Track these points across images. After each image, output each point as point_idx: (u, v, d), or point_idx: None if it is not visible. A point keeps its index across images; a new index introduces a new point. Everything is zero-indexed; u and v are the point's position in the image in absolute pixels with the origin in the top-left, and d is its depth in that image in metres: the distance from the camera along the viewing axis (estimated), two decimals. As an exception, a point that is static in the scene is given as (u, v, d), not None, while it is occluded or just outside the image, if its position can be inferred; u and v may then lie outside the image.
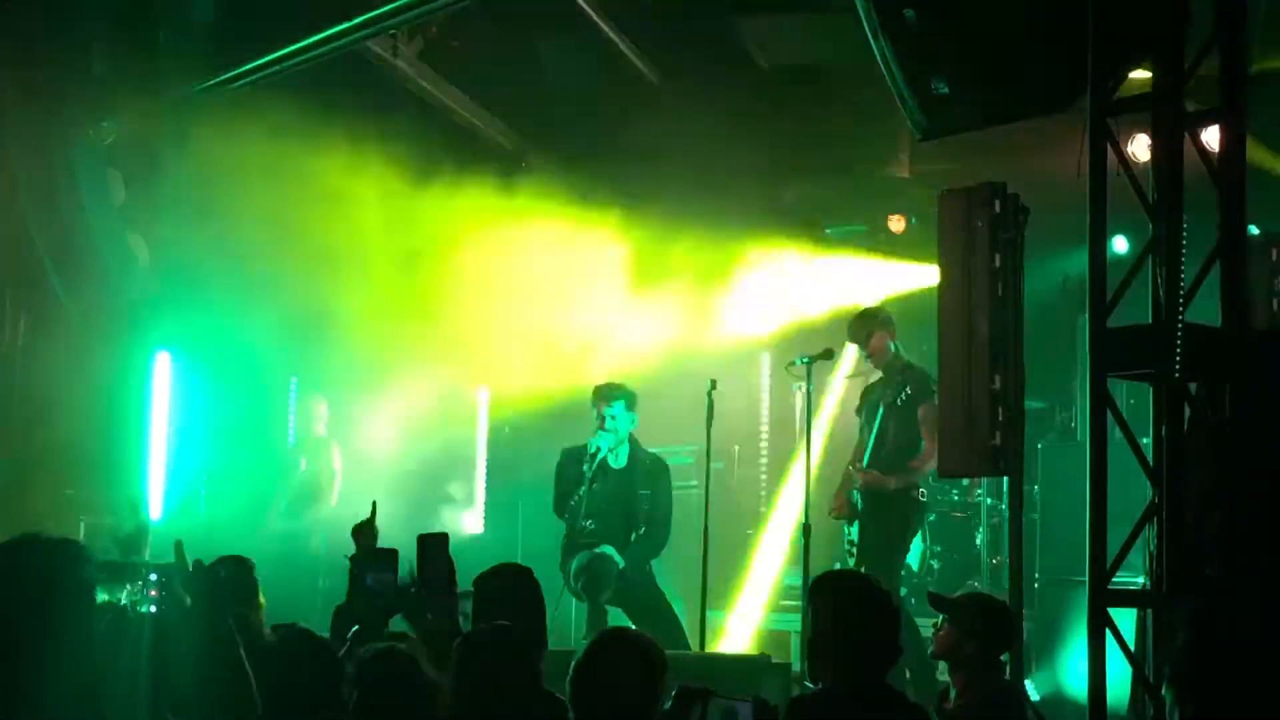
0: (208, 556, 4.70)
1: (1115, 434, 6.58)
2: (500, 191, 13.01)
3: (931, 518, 11.79)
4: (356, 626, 4.77)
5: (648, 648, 4.58)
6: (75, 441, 11.48)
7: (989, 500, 11.71)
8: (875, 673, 4.63)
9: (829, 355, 10.11)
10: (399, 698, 4.05)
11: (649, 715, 4.49)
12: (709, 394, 9.69)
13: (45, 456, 11.55)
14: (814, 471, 9.73)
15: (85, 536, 10.58)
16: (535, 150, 12.63)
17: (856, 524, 9.58)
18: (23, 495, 11.47)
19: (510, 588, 5.27)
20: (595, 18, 11.00)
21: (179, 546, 4.50)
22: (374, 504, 4.97)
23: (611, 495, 9.58)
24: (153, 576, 3.78)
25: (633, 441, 9.73)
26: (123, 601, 3.61)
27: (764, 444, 13.84)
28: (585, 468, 9.52)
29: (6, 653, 2.88)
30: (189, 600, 4.21)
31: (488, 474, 13.95)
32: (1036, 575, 10.29)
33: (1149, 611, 6.64)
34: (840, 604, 4.70)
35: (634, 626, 9.12)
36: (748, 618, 11.88)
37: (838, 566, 12.40)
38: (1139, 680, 6.61)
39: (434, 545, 4.71)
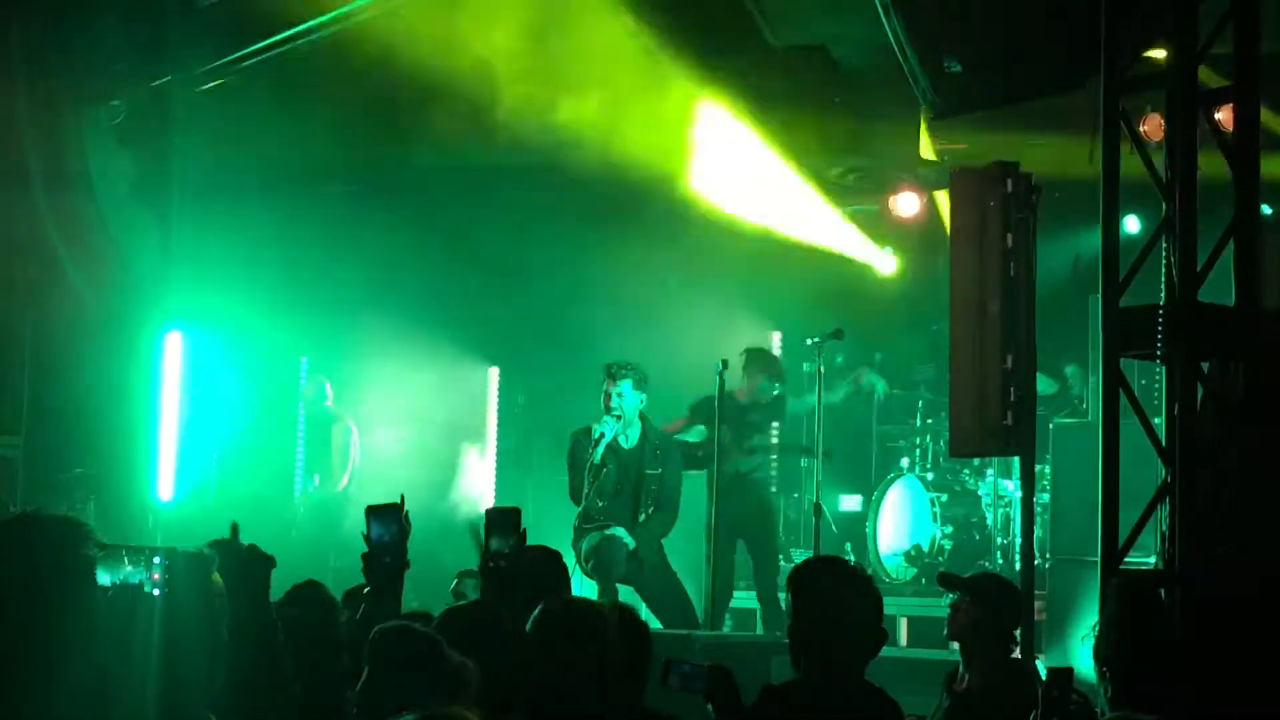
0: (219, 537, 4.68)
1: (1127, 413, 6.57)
2: (516, 176, 12.97)
3: (944, 498, 11.80)
4: (369, 589, 4.73)
5: (595, 616, 4.51)
6: (85, 420, 11.50)
7: (1000, 480, 11.70)
8: (854, 663, 4.51)
9: (839, 335, 10.11)
10: (415, 679, 4.00)
11: (600, 683, 4.42)
12: (719, 374, 9.67)
13: (55, 435, 11.58)
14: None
15: (94, 515, 10.61)
16: (549, 130, 12.56)
17: None
18: (32, 473, 11.51)
19: (535, 569, 5.25)
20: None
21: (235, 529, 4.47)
22: (401, 498, 4.87)
23: (622, 475, 9.57)
24: (156, 560, 3.75)
25: (644, 420, 9.72)
26: (134, 581, 3.59)
27: (774, 424, 13.80)
28: (593, 453, 9.49)
29: (8, 631, 2.87)
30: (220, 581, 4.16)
31: (499, 450, 13.96)
32: (1047, 555, 10.27)
33: (1160, 592, 6.61)
34: (813, 593, 4.56)
35: (646, 607, 9.14)
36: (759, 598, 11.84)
37: (848, 547, 12.52)
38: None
39: (502, 519, 4.64)
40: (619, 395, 9.52)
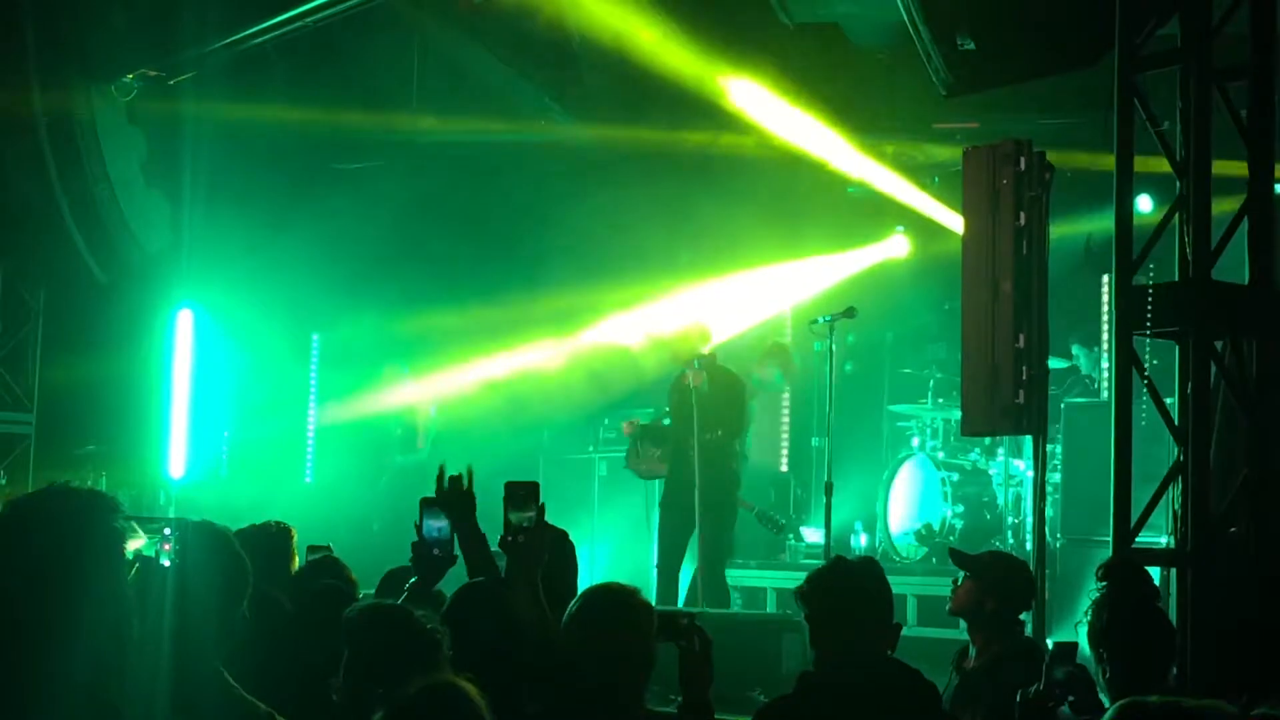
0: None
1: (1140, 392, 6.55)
2: (528, 152, 12.95)
3: (955, 477, 11.79)
4: (414, 579, 4.72)
5: (636, 602, 4.55)
6: (97, 398, 11.53)
7: (1010, 460, 11.68)
8: (874, 652, 4.50)
9: (850, 314, 10.08)
10: (394, 652, 4.00)
11: (643, 667, 4.46)
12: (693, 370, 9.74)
13: (66, 412, 11.61)
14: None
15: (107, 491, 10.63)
16: (559, 109, 12.55)
17: None
18: (44, 450, 11.55)
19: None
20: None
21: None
22: (469, 469, 4.84)
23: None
24: (167, 530, 3.77)
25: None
26: (148, 552, 3.61)
27: (785, 403, 13.82)
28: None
29: (37, 603, 2.89)
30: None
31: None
32: (1058, 534, 10.26)
33: (1172, 571, 6.61)
34: (822, 597, 4.55)
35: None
36: (770, 576, 11.85)
37: (858, 526, 12.51)
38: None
39: (520, 493, 4.62)
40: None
